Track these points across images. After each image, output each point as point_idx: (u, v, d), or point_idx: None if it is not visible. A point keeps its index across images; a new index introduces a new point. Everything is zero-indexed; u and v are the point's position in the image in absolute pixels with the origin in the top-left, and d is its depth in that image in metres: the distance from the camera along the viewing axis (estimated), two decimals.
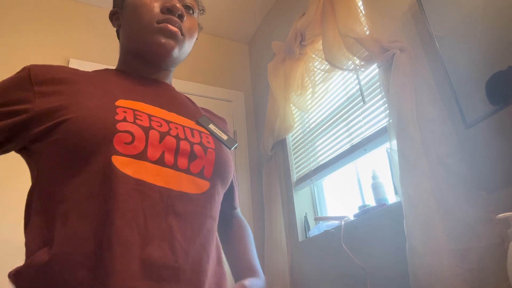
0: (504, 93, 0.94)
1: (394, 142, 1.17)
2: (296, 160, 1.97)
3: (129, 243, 0.53)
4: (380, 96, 1.42)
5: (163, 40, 0.70)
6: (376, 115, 1.45)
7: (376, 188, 1.40)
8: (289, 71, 1.90)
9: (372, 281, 1.28)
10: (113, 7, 0.80)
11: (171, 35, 0.71)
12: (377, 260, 1.28)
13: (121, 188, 0.55)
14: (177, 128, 0.66)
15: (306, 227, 1.79)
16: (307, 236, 1.75)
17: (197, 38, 0.80)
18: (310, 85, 1.81)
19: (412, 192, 1.07)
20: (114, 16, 0.79)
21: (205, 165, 0.66)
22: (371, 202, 1.45)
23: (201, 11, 0.81)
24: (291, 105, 1.92)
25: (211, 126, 0.73)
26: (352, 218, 1.48)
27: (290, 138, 2.06)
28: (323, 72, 1.76)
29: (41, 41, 2.04)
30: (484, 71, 1.00)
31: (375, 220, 1.34)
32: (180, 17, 0.73)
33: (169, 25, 0.70)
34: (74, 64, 2.05)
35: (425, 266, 0.98)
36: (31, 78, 0.62)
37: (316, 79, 1.81)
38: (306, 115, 1.94)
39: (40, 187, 0.60)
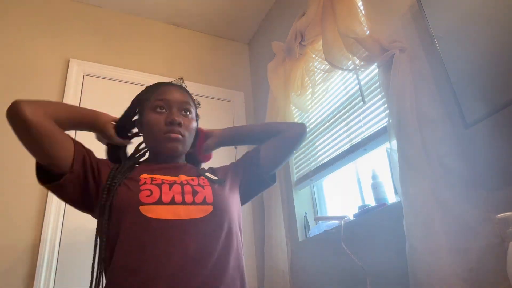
0: (503, 93, 0.95)
1: (394, 142, 1.17)
2: (296, 160, 1.97)
3: (161, 260, 0.82)
4: (380, 96, 1.42)
5: (169, 145, 1.00)
6: (376, 115, 1.45)
7: (376, 188, 1.40)
8: (289, 71, 1.91)
9: (372, 281, 1.28)
10: (137, 115, 1.10)
11: (175, 140, 0.99)
12: (377, 260, 1.28)
13: (146, 226, 0.85)
14: (181, 180, 0.95)
15: (306, 227, 1.79)
16: (307, 236, 1.75)
17: (197, 126, 1.13)
18: (310, 85, 1.81)
19: (412, 192, 1.07)
20: (138, 125, 1.10)
21: (206, 195, 0.93)
22: (371, 202, 1.46)
23: (198, 105, 1.13)
24: (291, 105, 1.92)
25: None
26: (352, 218, 1.48)
27: None
28: (323, 72, 1.76)
29: (41, 41, 2.04)
30: (484, 71, 1.00)
31: (375, 220, 1.34)
32: (179, 124, 1.00)
33: (172, 134, 0.99)
34: (74, 64, 2.05)
35: (424, 266, 0.98)
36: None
37: (316, 79, 1.81)
38: (306, 115, 1.93)
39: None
